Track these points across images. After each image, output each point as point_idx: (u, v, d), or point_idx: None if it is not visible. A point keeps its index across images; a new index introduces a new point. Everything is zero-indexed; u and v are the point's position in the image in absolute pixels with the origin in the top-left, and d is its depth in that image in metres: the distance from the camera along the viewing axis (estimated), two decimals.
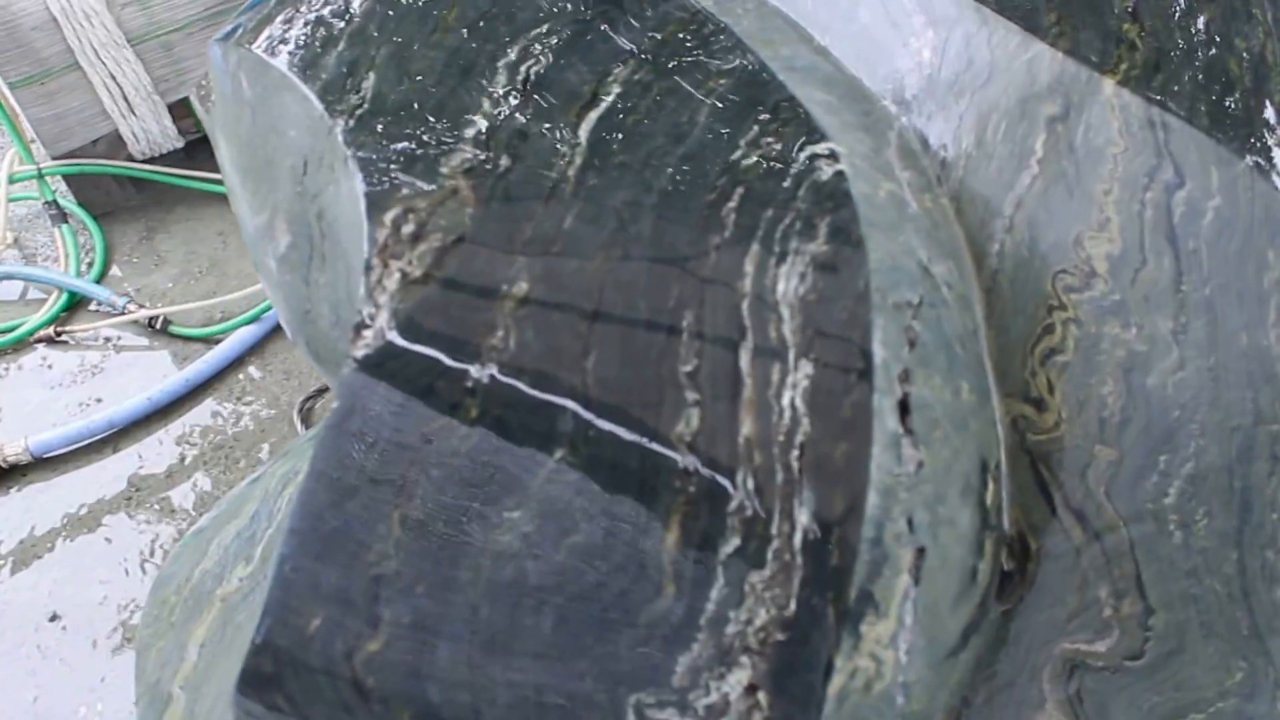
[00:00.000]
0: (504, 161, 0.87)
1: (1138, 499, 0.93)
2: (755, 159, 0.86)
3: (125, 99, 2.35)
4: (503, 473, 0.78)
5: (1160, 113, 0.91)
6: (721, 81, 0.93)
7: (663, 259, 0.81)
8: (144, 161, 2.41)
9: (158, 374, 2.15)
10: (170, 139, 2.40)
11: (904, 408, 0.79)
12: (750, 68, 0.93)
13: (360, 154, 0.88)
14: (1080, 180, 0.94)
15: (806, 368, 0.77)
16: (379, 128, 0.91)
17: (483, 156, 0.87)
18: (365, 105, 0.92)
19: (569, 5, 1.00)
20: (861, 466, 0.75)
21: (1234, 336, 0.90)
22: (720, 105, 0.90)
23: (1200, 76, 0.95)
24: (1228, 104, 0.94)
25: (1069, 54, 0.95)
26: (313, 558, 0.80)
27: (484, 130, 0.88)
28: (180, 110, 2.39)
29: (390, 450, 0.79)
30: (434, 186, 0.85)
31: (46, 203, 2.40)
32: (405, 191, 0.86)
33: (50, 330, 2.24)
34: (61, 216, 2.40)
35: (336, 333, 0.99)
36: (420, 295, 0.81)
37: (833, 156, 0.86)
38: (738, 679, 0.73)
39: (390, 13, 1.00)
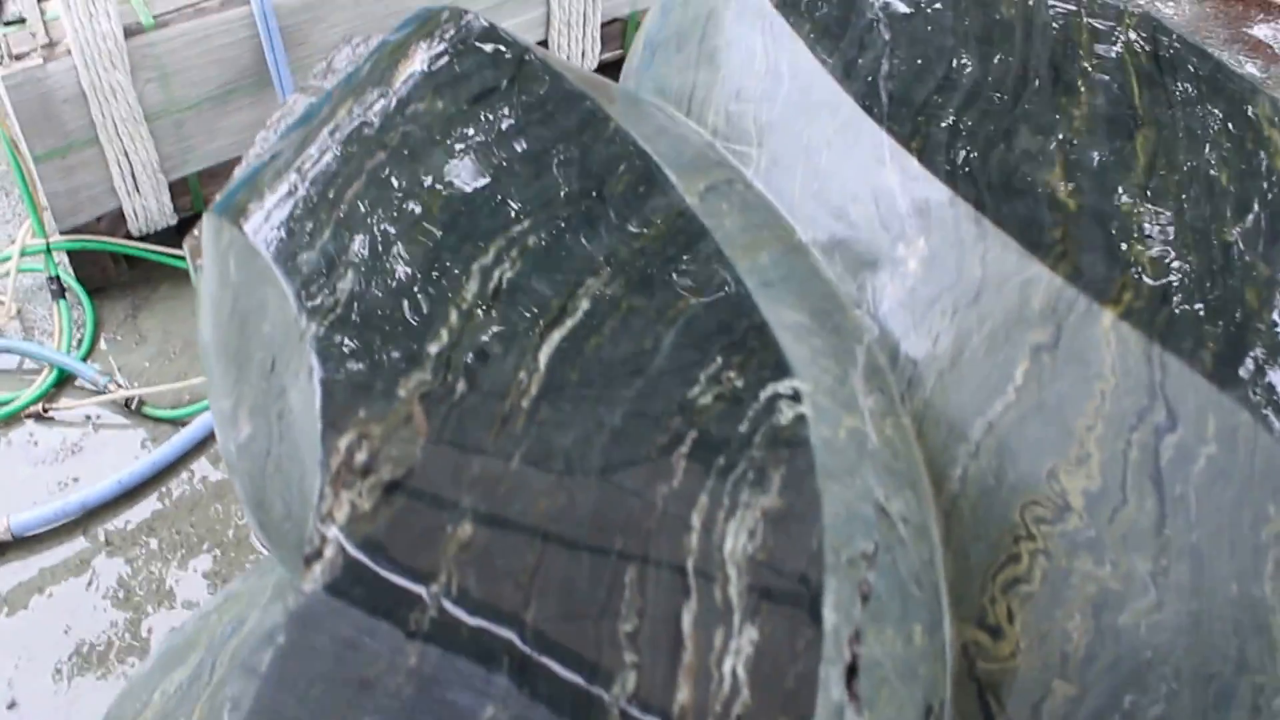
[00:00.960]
0: (460, 387, 0.89)
1: None
2: (713, 398, 0.87)
3: (133, 175, 2.40)
4: None
5: (1160, 351, 0.92)
6: (692, 302, 0.94)
7: (608, 509, 0.82)
8: (139, 239, 2.48)
9: (130, 454, 2.22)
10: (166, 216, 2.46)
11: (852, 671, 0.80)
12: (724, 286, 0.95)
13: (324, 368, 0.90)
14: (1061, 412, 0.94)
15: (751, 633, 0.78)
16: (346, 339, 0.92)
17: (439, 380, 0.89)
18: (338, 310, 0.94)
19: (554, 195, 1.01)
20: None
21: (1223, 585, 0.90)
22: (686, 329, 0.92)
23: (1207, 307, 0.95)
24: (1243, 344, 0.94)
25: (1069, 279, 0.96)
26: None
27: (446, 347, 0.90)
28: (179, 188, 2.44)
29: (328, 698, 0.80)
30: (389, 411, 0.87)
31: (50, 277, 2.45)
32: (361, 414, 0.87)
33: (39, 407, 2.30)
34: (60, 292, 2.45)
35: (288, 525, 1.01)
36: (366, 533, 0.83)
37: (795, 397, 0.87)
38: None
39: (377, 197, 1.02)
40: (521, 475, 0.84)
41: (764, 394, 0.88)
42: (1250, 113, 1.09)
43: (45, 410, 2.31)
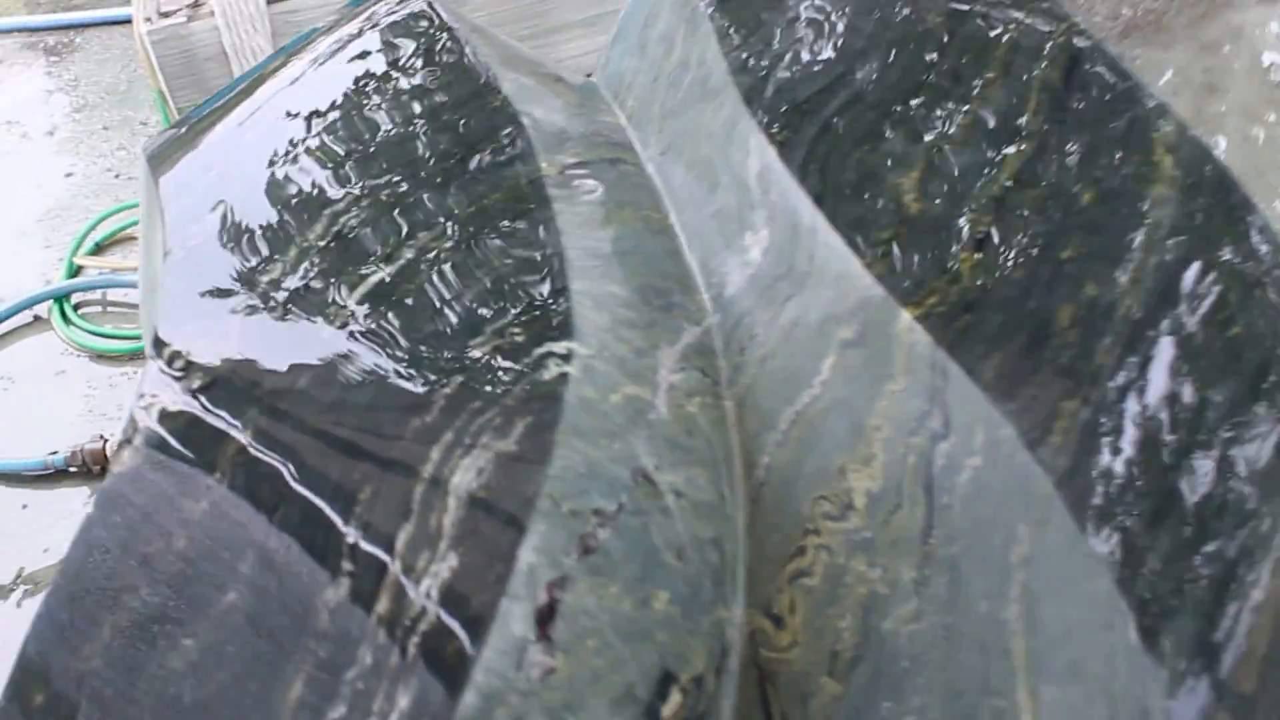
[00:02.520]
0: (275, 314, 1.03)
1: None
2: (491, 349, 0.98)
3: None
4: (188, 604, 0.93)
5: (945, 358, 0.96)
6: (505, 263, 1.05)
7: (365, 431, 0.95)
8: None
9: None
10: None
11: (549, 613, 0.89)
12: (542, 252, 1.05)
13: (171, 289, 1.07)
14: (855, 410, 0.99)
15: (451, 560, 0.88)
16: (199, 266, 1.09)
17: (262, 305, 1.03)
18: (198, 240, 1.10)
19: (420, 155, 1.14)
20: (467, 666, 0.85)
21: (974, 602, 0.93)
22: (491, 287, 1.03)
23: (1013, 320, 0.98)
24: (1034, 360, 0.97)
25: (880, 278, 1.01)
26: (47, 642, 0.98)
27: (275, 278, 1.05)
28: None
29: (117, 563, 0.96)
30: (210, 329, 1.02)
31: None
32: (189, 329, 1.03)
33: None
34: None
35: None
36: (163, 425, 0.98)
37: (565, 357, 0.96)
38: None
39: (265, 145, 1.19)
40: (304, 395, 0.98)
41: (538, 351, 0.98)
42: (1149, 135, 1.09)
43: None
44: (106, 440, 2.43)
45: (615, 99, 1.31)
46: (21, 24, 3.69)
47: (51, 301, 2.78)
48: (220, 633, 0.91)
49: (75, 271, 2.88)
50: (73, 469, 2.43)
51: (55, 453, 2.44)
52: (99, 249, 2.93)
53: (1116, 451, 0.90)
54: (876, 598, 0.97)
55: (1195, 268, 1.00)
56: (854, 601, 0.98)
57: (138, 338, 2.66)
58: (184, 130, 1.26)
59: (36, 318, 2.77)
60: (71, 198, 3.07)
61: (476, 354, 0.97)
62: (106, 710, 0.93)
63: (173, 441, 0.96)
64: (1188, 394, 0.94)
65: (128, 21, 3.55)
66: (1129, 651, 0.86)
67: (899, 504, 0.95)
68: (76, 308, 2.78)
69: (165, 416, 0.99)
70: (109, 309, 2.80)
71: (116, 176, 3.12)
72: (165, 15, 2.44)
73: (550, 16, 2.78)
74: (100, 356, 2.68)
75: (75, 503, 2.38)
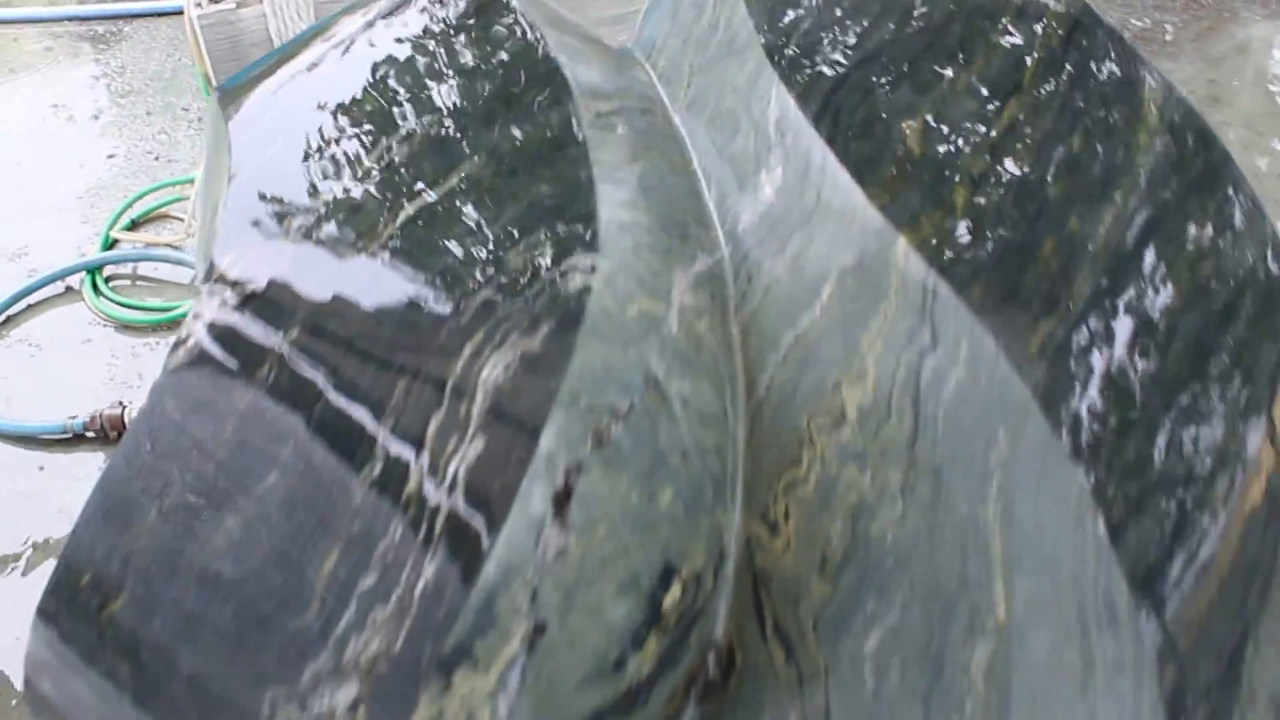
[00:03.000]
0: (330, 227, 1.12)
1: (840, 639, 1.06)
2: (523, 261, 1.07)
3: None
4: (232, 485, 1.02)
5: (936, 279, 1.05)
6: (542, 189, 1.14)
7: (402, 331, 1.04)
8: None
9: None
10: None
11: (565, 496, 0.97)
12: (575, 182, 1.14)
13: (233, 209, 1.16)
14: (851, 330, 1.08)
15: (478, 444, 0.97)
16: (262, 190, 1.18)
17: (318, 219, 1.13)
18: (265, 166, 1.19)
19: (471, 99, 1.24)
20: (490, 538, 0.94)
21: (955, 503, 1.01)
22: (528, 209, 1.12)
23: (1001, 248, 1.07)
24: (1016, 282, 1.06)
25: (882, 209, 1.10)
26: (98, 523, 1.07)
27: (334, 198, 1.14)
28: None
29: (167, 449, 1.05)
30: (265, 241, 1.11)
31: None
32: (245, 243, 1.13)
33: None
34: None
35: None
36: (220, 326, 1.07)
37: (590, 270, 1.05)
38: (346, 694, 0.94)
39: (329, 87, 1.28)
40: (349, 298, 1.07)
41: (565, 264, 1.07)
42: (1137, 93, 1.18)
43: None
44: (126, 406, 2.52)
45: (647, 60, 1.41)
46: (73, 13, 3.84)
47: (84, 273, 2.88)
48: (261, 511, 1.00)
49: (110, 245, 2.98)
50: (90, 434, 2.52)
51: (75, 417, 2.52)
52: (134, 225, 3.04)
53: (1090, 366, 0.99)
54: (865, 504, 1.05)
55: (1172, 210, 1.08)
56: (844, 508, 1.06)
57: (164, 309, 2.76)
58: (252, 74, 1.36)
59: (69, 289, 2.87)
60: (112, 178, 3.19)
61: (510, 265, 1.06)
62: (151, 585, 1.02)
63: (219, 347, 1.05)
64: (1159, 320, 1.03)
65: (174, 13, 3.70)
66: (1098, 545, 0.94)
67: (888, 416, 1.04)
68: (108, 280, 2.88)
69: (216, 319, 1.08)
70: (138, 282, 2.90)
71: (156, 159, 3.24)
72: (215, 1, 2.55)
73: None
74: (125, 327, 2.78)
75: (91, 466, 2.48)
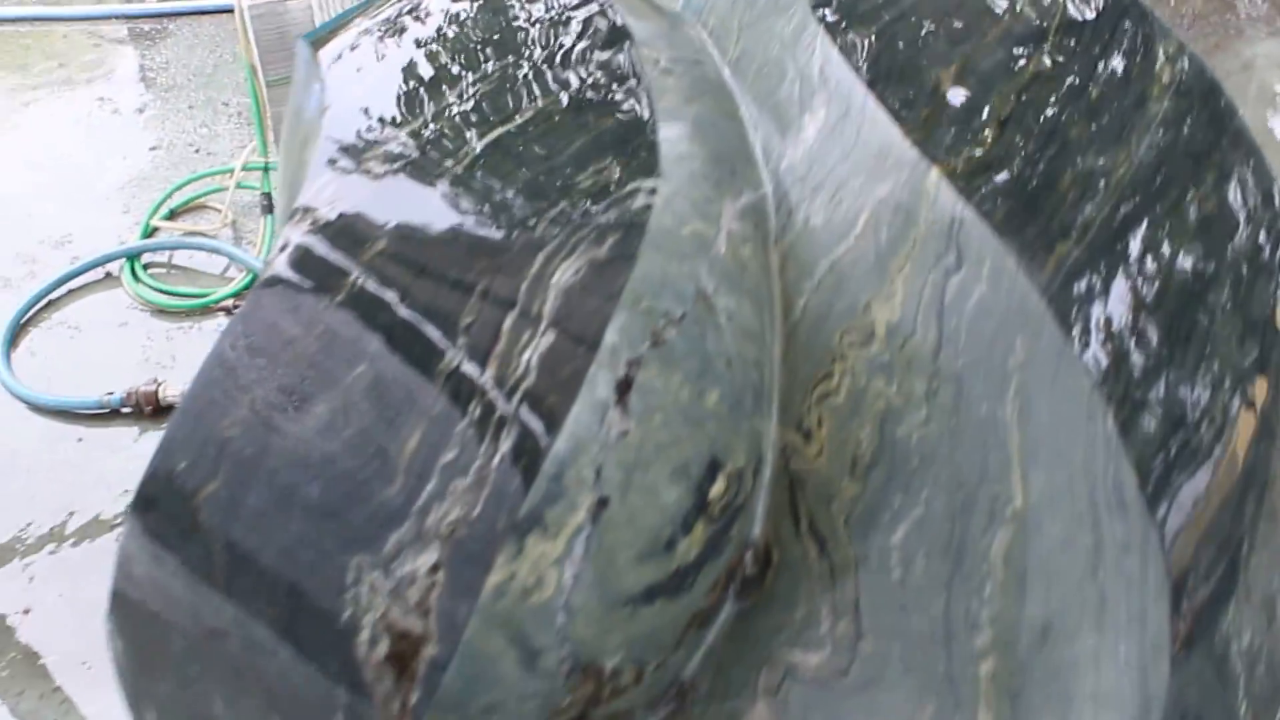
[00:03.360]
0: (414, 154, 1.24)
1: (869, 534, 1.16)
2: (591, 183, 1.18)
3: None
4: (321, 376, 1.13)
5: (963, 206, 1.16)
6: (609, 122, 1.26)
7: (483, 242, 1.15)
8: None
9: None
10: None
11: (627, 385, 1.08)
12: (637, 115, 1.26)
13: (327, 143, 1.27)
14: (883, 255, 1.19)
15: (550, 336, 1.08)
16: (354, 122, 1.30)
17: (403, 149, 1.24)
18: (357, 101, 1.31)
19: (547, 45, 1.36)
20: (560, 417, 1.04)
21: (976, 404, 1.12)
22: (596, 139, 1.24)
23: (1023, 180, 1.19)
24: (1036, 209, 1.17)
25: (916, 144, 1.21)
26: (194, 415, 1.17)
27: (417, 128, 1.26)
28: None
29: (255, 350, 1.16)
30: (354, 167, 1.23)
31: (263, 194, 3.00)
32: (343, 164, 1.24)
33: (231, 303, 2.82)
34: (270, 208, 3.00)
35: None
36: (312, 240, 1.18)
37: (652, 192, 1.17)
38: (427, 559, 1.04)
39: (418, 38, 1.41)
40: (434, 215, 1.18)
41: (629, 186, 1.18)
42: (1153, 50, 1.30)
43: (235, 307, 2.83)
44: (160, 384, 2.63)
45: (699, 19, 1.53)
46: (120, 11, 3.99)
47: (124, 260, 2.99)
48: (349, 398, 1.11)
49: (150, 233, 3.10)
50: (126, 409, 2.64)
51: (111, 393, 2.63)
52: (174, 215, 3.15)
53: (1100, 282, 1.10)
54: (892, 409, 1.16)
55: (1180, 153, 1.20)
56: (873, 414, 1.17)
57: (199, 295, 2.87)
58: (334, 26, 1.49)
59: (108, 275, 2.99)
60: (154, 169, 3.32)
61: (579, 185, 1.18)
62: (243, 468, 1.12)
63: (308, 254, 1.16)
64: (1165, 247, 1.14)
65: (216, 11, 3.83)
66: (1107, 438, 1.05)
67: (914, 330, 1.15)
68: (146, 267, 2.99)
69: (307, 232, 1.19)
70: (173, 269, 3.01)
71: (196, 151, 3.37)
72: None
73: None
74: (161, 312, 2.90)
75: (126, 439, 2.60)
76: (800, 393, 1.22)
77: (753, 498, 1.21)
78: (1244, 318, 1.16)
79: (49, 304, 2.94)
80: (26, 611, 2.30)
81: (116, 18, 4.02)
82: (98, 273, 3.02)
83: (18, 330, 2.87)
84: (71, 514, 2.47)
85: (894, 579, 1.15)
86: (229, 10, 3.31)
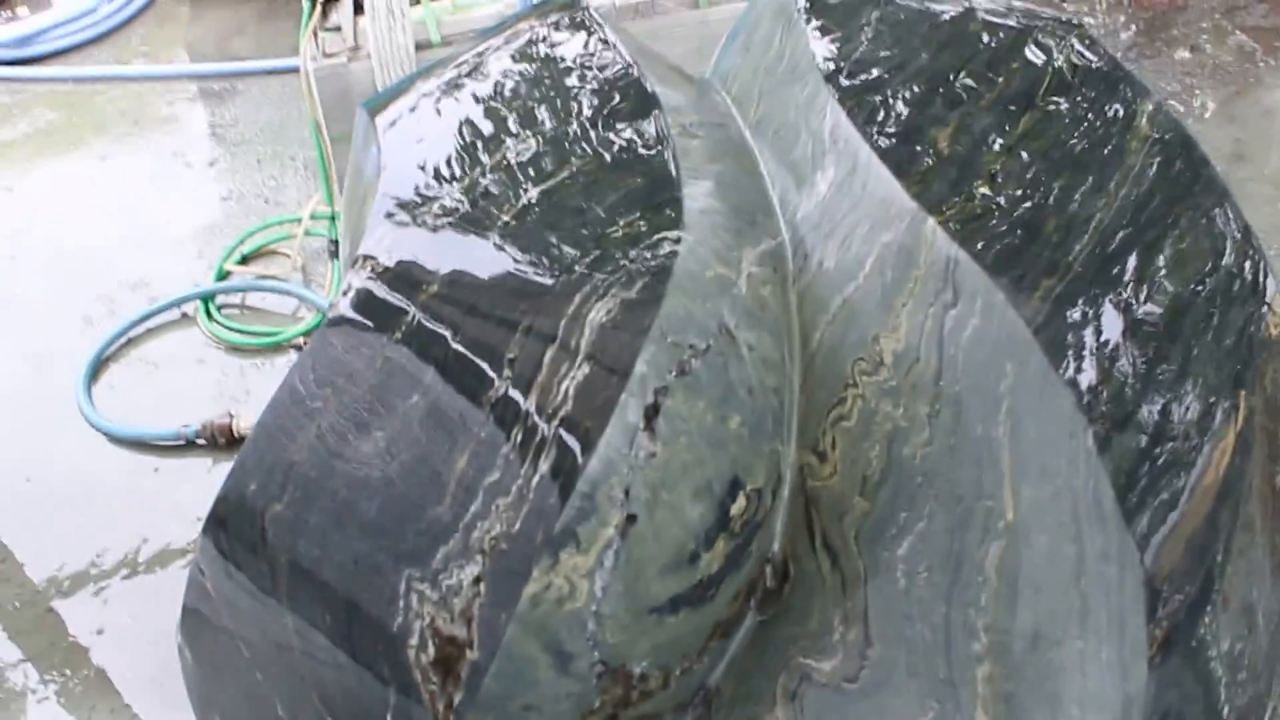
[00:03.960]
0: (465, 208, 1.38)
1: (877, 547, 1.27)
2: (622, 234, 1.32)
3: None
4: (381, 405, 1.26)
5: (957, 250, 1.28)
6: (638, 180, 1.39)
7: (527, 284, 1.28)
8: None
9: None
10: None
11: (654, 411, 1.20)
12: (664, 174, 1.39)
13: (385, 200, 1.42)
14: (888, 292, 1.31)
15: (585, 368, 1.21)
16: (413, 184, 1.44)
17: (456, 203, 1.38)
18: (415, 160, 1.45)
19: (579, 111, 1.50)
20: (594, 441, 1.17)
21: (973, 425, 1.23)
22: (626, 195, 1.37)
23: (1012, 225, 1.30)
24: (1023, 251, 1.28)
25: (915, 197, 1.33)
26: (264, 441, 1.31)
27: (467, 186, 1.40)
28: None
29: (321, 384, 1.29)
30: (413, 220, 1.37)
31: (331, 241, 3.17)
32: (399, 218, 1.38)
33: (302, 340, 2.98)
34: (337, 253, 3.16)
35: None
36: (373, 284, 1.32)
37: (677, 241, 1.30)
38: (471, 571, 1.17)
39: (466, 103, 1.55)
40: (482, 263, 1.32)
41: (656, 236, 1.31)
42: (1132, 109, 1.42)
43: (304, 344, 2.98)
44: (234, 417, 2.77)
45: (723, 86, 1.67)
46: (193, 71, 4.21)
47: (199, 301, 3.16)
48: (405, 425, 1.24)
49: (223, 276, 3.27)
50: (201, 441, 2.78)
51: (188, 425, 2.78)
52: (245, 260, 3.33)
53: (1081, 313, 1.21)
54: (898, 430, 1.27)
55: (1157, 200, 1.31)
56: (882, 435, 1.28)
57: (270, 334, 3.03)
58: (391, 94, 1.64)
59: (184, 315, 3.16)
60: (225, 218, 3.50)
61: (612, 236, 1.31)
62: (308, 488, 1.25)
63: (370, 297, 1.30)
64: (1143, 280, 1.25)
65: (282, 71, 4.04)
66: (1087, 454, 1.16)
67: (917, 359, 1.26)
68: (220, 308, 3.17)
69: (371, 277, 1.33)
70: (246, 309, 3.18)
71: (265, 201, 3.55)
72: (329, 56, 2.86)
73: None
74: (235, 349, 3.06)
75: (200, 470, 2.73)
76: (816, 417, 1.34)
77: (772, 515, 1.33)
78: (1220, 340, 1.26)
79: (129, 341, 3.11)
80: (100, 632, 2.43)
81: (189, 77, 4.24)
82: (174, 313, 3.19)
83: (99, 366, 3.04)
84: (145, 540, 2.61)
85: (900, 589, 1.26)
86: (294, 70, 3.50)
